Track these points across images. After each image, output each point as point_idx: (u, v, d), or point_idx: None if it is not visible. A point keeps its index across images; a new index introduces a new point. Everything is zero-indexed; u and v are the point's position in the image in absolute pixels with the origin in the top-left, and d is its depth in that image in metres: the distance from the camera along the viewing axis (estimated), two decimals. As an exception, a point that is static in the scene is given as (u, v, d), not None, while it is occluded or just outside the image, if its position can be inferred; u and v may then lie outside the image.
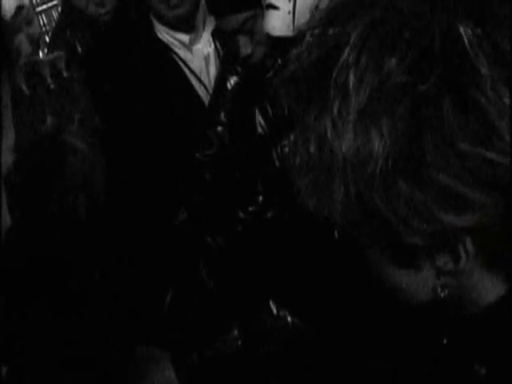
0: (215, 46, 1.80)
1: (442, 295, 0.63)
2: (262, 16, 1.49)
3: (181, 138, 1.70)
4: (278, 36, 1.46)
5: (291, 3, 1.43)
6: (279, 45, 1.48)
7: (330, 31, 0.58)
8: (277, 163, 1.41)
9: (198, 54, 1.81)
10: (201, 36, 1.80)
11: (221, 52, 1.77)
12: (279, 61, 1.55)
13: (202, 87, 1.78)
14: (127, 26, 1.83)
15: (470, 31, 0.53)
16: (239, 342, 1.16)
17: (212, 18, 1.81)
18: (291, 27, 1.45)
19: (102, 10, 1.98)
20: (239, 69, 1.58)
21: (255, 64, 1.56)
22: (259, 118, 1.49)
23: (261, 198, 1.39)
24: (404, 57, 0.54)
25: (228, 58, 1.62)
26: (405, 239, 0.58)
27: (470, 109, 0.53)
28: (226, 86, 1.59)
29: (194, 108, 1.75)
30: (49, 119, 1.05)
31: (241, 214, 1.41)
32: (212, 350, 1.19)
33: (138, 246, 1.54)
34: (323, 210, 0.61)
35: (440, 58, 0.53)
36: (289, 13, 1.44)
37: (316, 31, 0.59)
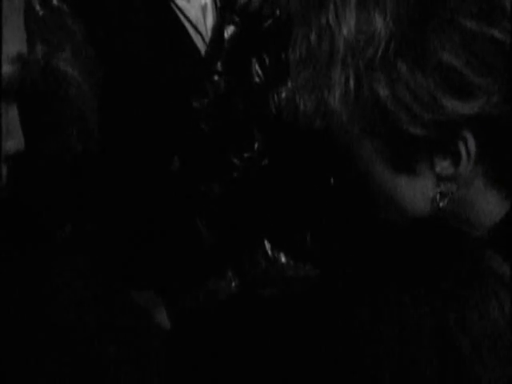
0: (213, -4, 1.78)
1: (440, 204, 0.62)
2: None
3: (176, 86, 1.70)
4: None
5: None
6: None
7: None
8: (273, 110, 1.42)
9: (195, 2, 1.79)
10: (199, -15, 1.78)
11: (218, 3, 1.76)
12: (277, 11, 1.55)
13: (199, 36, 1.76)
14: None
15: None
16: (233, 284, 1.17)
17: (210, -33, 1.79)
18: None
19: None
20: (236, 18, 1.58)
21: (253, 13, 1.56)
22: (256, 67, 1.49)
23: (257, 144, 1.40)
24: None
25: (225, 7, 1.62)
26: (406, 129, 0.57)
27: None
28: (222, 35, 1.59)
29: (190, 56, 1.74)
30: (38, 47, 1.00)
31: (236, 161, 1.41)
32: (205, 292, 1.21)
33: (130, 191, 1.55)
34: (320, 110, 0.60)
35: None
36: None
37: None
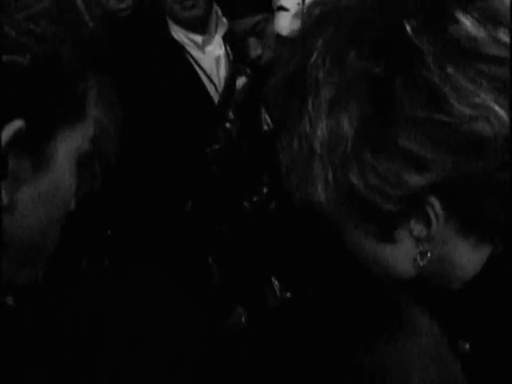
0: (226, 49, 1.90)
1: (421, 264, 0.71)
2: (273, 18, 1.59)
3: (190, 133, 1.79)
4: (287, 36, 1.56)
5: (300, 6, 1.52)
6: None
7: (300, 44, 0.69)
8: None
9: (210, 55, 1.90)
10: (213, 38, 1.90)
11: (231, 55, 1.87)
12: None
13: (212, 86, 1.87)
14: (144, 24, 1.93)
15: (413, 22, 0.64)
16: (243, 319, 1.23)
17: (224, 21, 1.91)
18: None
19: (122, 5, 2.03)
20: (248, 70, 1.68)
21: (263, 66, 1.66)
22: (265, 116, 1.59)
23: (265, 189, 1.48)
24: (360, 49, 0.65)
25: (238, 59, 1.72)
26: (380, 207, 0.67)
27: (418, 82, 0.63)
28: (235, 86, 1.69)
29: (204, 105, 1.84)
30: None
31: (246, 204, 1.50)
32: (218, 326, 1.27)
33: (146, 230, 1.63)
34: (311, 199, 0.70)
35: (388, 45, 0.64)
36: (298, 15, 1.55)
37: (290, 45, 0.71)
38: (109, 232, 1.65)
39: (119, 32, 1.97)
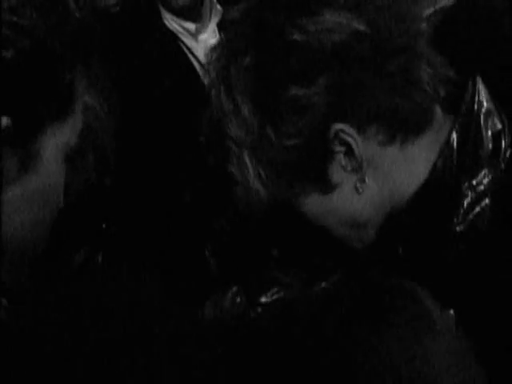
0: (220, 38, 1.86)
1: (360, 190, 0.75)
2: None
3: (184, 124, 1.76)
4: None
5: None
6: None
7: None
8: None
9: (204, 43, 1.87)
10: (207, 26, 1.87)
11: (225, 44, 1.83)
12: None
13: (207, 75, 1.84)
14: (135, 13, 1.90)
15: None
16: (238, 300, 1.22)
17: (219, 8, 1.87)
18: None
19: (112, 1, 2.02)
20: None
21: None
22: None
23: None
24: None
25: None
26: (303, 158, 0.73)
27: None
28: (230, 75, 1.66)
29: (198, 95, 1.81)
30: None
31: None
32: (209, 307, 1.26)
33: (143, 222, 1.62)
34: (252, 193, 0.79)
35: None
36: None
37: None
38: (103, 226, 1.63)
39: (110, 21, 1.94)
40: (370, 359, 0.57)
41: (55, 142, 0.64)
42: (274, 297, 1.17)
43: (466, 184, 0.74)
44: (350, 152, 0.74)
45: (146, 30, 1.87)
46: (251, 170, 0.76)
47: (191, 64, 1.85)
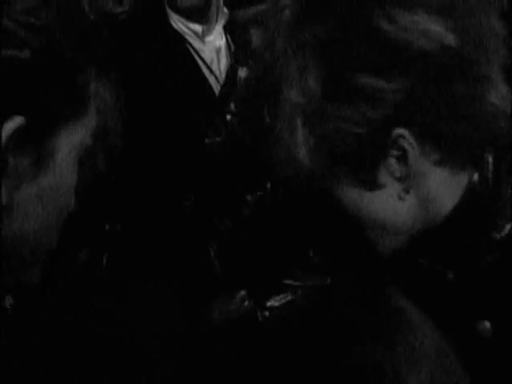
0: (226, 40, 1.87)
1: (405, 198, 0.75)
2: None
3: (190, 125, 1.77)
4: None
5: None
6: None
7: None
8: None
9: (210, 45, 1.88)
10: (213, 28, 1.87)
11: (232, 46, 1.84)
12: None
13: (213, 77, 1.85)
14: (143, 14, 1.90)
15: None
16: (246, 303, 1.22)
17: (225, 11, 1.88)
18: None
19: (120, 9, 2.02)
20: (250, 61, 1.66)
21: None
22: (267, 108, 1.56)
23: (269, 183, 1.47)
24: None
25: (239, 50, 1.70)
26: (356, 152, 0.72)
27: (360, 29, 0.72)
28: (236, 77, 1.67)
29: (205, 96, 1.82)
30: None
31: (249, 198, 1.48)
32: (218, 310, 1.26)
33: (145, 227, 1.62)
34: (298, 165, 0.76)
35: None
36: None
37: None
38: (107, 227, 1.64)
39: (118, 22, 1.95)
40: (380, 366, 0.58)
41: (69, 143, 0.65)
42: (283, 301, 1.18)
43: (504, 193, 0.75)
44: (403, 159, 0.72)
45: (153, 31, 1.87)
46: (301, 136, 0.73)
47: (198, 65, 1.86)
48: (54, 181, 0.65)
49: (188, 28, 1.86)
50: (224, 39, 1.88)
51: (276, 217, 1.40)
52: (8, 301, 0.84)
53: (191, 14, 1.84)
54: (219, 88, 1.80)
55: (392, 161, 0.72)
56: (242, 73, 1.64)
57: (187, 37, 1.86)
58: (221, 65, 1.87)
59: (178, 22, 1.86)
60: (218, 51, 1.87)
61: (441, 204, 0.76)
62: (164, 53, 1.86)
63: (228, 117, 1.65)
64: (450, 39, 0.69)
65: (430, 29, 0.69)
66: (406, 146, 0.71)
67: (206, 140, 1.67)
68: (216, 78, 1.84)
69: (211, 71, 1.85)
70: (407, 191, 0.74)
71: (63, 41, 0.62)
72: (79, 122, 0.66)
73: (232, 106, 1.65)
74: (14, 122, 0.59)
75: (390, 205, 0.75)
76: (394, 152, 0.72)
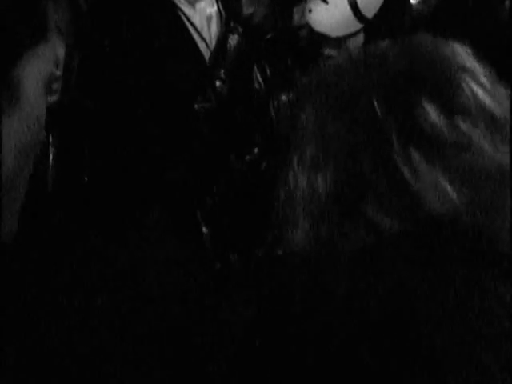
0: (218, 8, 1.87)
1: None
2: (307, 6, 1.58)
3: (180, 90, 1.78)
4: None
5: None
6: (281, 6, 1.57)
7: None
8: (273, 115, 1.51)
9: (201, 12, 1.88)
10: (205, -5, 1.87)
11: (223, 14, 1.85)
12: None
13: (203, 43, 1.85)
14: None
15: (383, 104, 0.75)
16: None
17: (216, -23, 1.88)
18: None
19: None
20: (240, 28, 1.67)
21: (256, 24, 1.65)
22: (257, 75, 1.59)
23: (257, 149, 1.50)
24: (341, 120, 0.76)
25: (230, 17, 1.71)
26: None
27: (383, 160, 0.75)
28: (226, 44, 1.69)
29: (195, 62, 1.83)
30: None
31: (237, 164, 1.51)
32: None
33: (135, 187, 1.63)
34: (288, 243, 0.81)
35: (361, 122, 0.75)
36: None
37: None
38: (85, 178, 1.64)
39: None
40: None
41: (35, 71, 0.65)
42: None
43: None
44: None
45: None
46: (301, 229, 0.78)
47: (188, 31, 1.86)
48: (24, 113, 0.64)
49: (179, -6, 1.86)
50: (215, 7, 1.88)
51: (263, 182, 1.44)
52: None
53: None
54: (209, 54, 1.80)
55: None
56: (233, 40, 1.66)
57: (178, 3, 1.87)
58: (211, 32, 1.88)
59: (168, -12, 1.86)
60: (208, 18, 1.88)
61: None
62: (154, 17, 1.86)
63: (218, 83, 1.67)
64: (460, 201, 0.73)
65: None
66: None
67: (196, 106, 1.68)
68: (206, 44, 1.85)
69: (202, 38, 1.86)
70: None
71: None
72: (41, 49, 0.65)
73: (222, 73, 1.67)
74: None
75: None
76: None
